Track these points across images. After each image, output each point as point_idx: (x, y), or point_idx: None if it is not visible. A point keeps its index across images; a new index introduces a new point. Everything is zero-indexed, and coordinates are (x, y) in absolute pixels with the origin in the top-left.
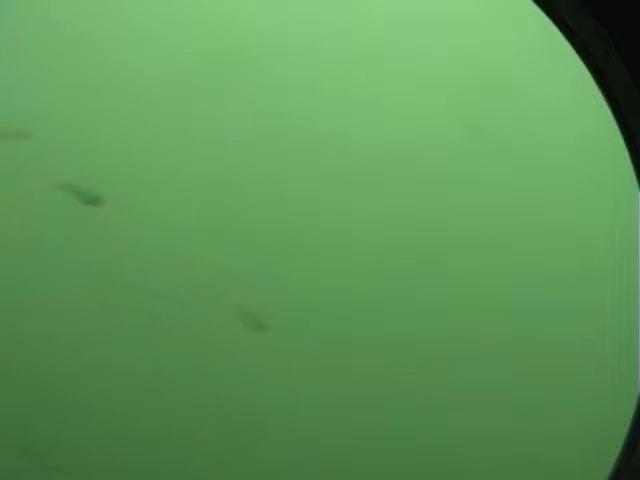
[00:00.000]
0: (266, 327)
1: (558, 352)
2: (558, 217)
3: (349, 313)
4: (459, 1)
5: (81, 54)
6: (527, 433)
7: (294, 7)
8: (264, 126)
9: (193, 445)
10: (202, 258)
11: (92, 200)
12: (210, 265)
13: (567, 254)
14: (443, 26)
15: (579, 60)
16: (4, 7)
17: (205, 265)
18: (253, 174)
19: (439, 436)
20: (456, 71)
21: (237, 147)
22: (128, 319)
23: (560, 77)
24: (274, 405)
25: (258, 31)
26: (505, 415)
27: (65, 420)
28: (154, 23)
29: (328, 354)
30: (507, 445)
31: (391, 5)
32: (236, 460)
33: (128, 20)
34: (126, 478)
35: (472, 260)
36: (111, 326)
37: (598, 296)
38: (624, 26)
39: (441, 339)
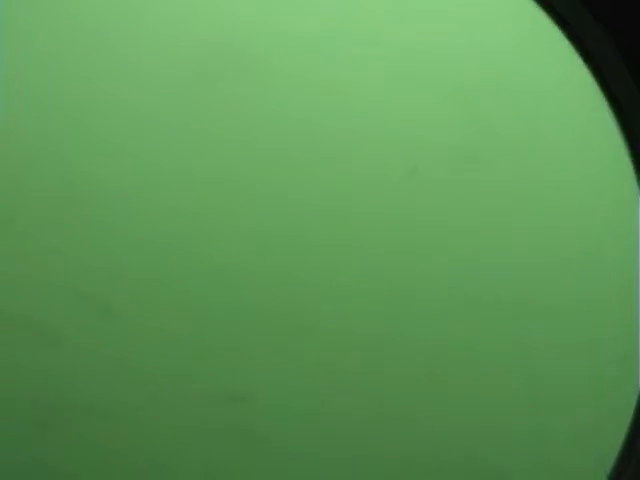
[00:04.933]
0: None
1: (558, 352)
2: (558, 217)
3: (349, 311)
4: (460, 3)
5: (86, 51)
6: (527, 433)
7: (294, 5)
8: (264, 123)
9: None
10: (199, 255)
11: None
12: (198, 261)
13: (567, 254)
14: (443, 24)
15: (580, 60)
16: (10, 5)
17: (196, 264)
18: (253, 171)
19: (438, 436)
20: (456, 68)
21: (237, 144)
22: None
23: (560, 77)
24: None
25: (260, 30)
26: (505, 415)
27: None
28: (157, 22)
29: (328, 351)
30: (507, 445)
31: (391, 4)
32: None
33: (130, 20)
34: None
35: (473, 258)
36: None
37: (598, 296)
38: (623, 24)
39: (442, 338)
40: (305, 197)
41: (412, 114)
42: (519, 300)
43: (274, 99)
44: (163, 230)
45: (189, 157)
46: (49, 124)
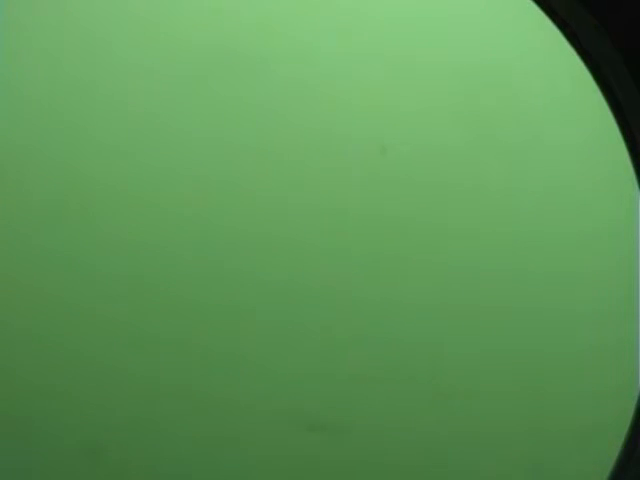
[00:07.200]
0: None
1: (558, 353)
2: (558, 217)
3: (348, 312)
4: (460, 3)
5: (86, 52)
6: (528, 434)
7: (295, 9)
8: (265, 124)
9: None
10: (185, 255)
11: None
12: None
13: (567, 255)
14: (444, 28)
15: (580, 60)
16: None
17: (187, 262)
18: (251, 172)
19: (439, 437)
20: (457, 73)
21: (236, 145)
22: None
23: (560, 78)
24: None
25: (260, 32)
26: (507, 416)
27: None
28: (157, 25)
29: (324, 353)
30: (508, 446)
31: (391, 8)
32: None
33: (130, 22)
34: None
35: (473, 262)
36: None
37: (598, 297)
38: (623, 25)
39: (442, 342)
40: (304, 199)
41: (412, 119)
42: (519, 302)
43: (275, 102)
44: (162, 230)
45: (189, 159)
46: (49, 124)
